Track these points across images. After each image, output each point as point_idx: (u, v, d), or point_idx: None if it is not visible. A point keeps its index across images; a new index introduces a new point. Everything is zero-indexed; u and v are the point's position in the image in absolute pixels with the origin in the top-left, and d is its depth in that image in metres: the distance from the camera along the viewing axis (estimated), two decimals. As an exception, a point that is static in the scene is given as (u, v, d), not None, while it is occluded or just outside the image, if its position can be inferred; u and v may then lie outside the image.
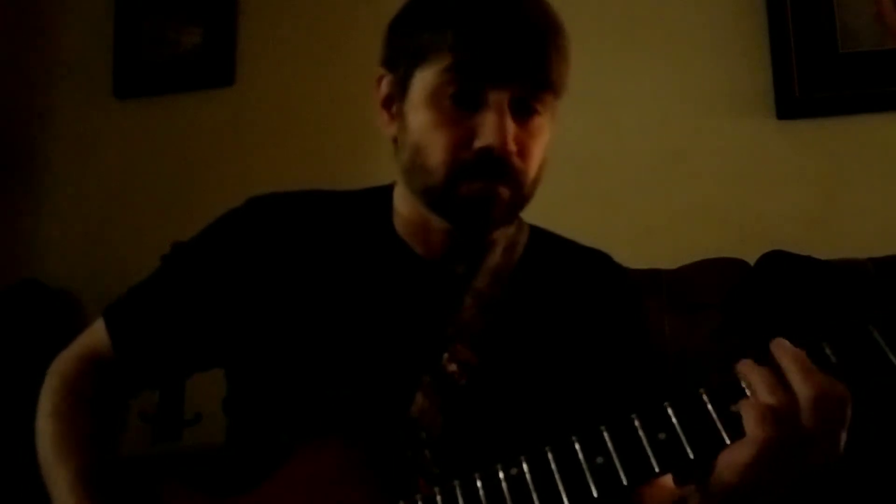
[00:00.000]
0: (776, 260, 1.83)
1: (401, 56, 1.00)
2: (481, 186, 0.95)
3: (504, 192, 0.96)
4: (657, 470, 0.75)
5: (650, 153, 2.17)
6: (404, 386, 0.96)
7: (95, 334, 1.09)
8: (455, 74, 0.94)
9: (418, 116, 0.97)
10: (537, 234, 1.13)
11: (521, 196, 0.99)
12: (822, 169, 2.07)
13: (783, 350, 0.75)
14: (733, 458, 0.74)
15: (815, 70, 2.07)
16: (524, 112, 0.96)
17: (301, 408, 0.97)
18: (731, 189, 2.11)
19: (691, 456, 0.75)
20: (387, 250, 1.05)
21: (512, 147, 0.94)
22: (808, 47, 2.08)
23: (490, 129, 0.93)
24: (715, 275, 1.88)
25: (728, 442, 0.75)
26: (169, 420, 2.06)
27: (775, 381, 0.73)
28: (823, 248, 1.84)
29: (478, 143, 0.94)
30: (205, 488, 0.96)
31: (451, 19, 0.94)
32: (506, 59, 0.93)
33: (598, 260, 1.14)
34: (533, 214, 1.16)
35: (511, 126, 0.93)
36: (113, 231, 2.40)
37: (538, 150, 0.99)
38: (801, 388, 0.72)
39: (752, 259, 1.86)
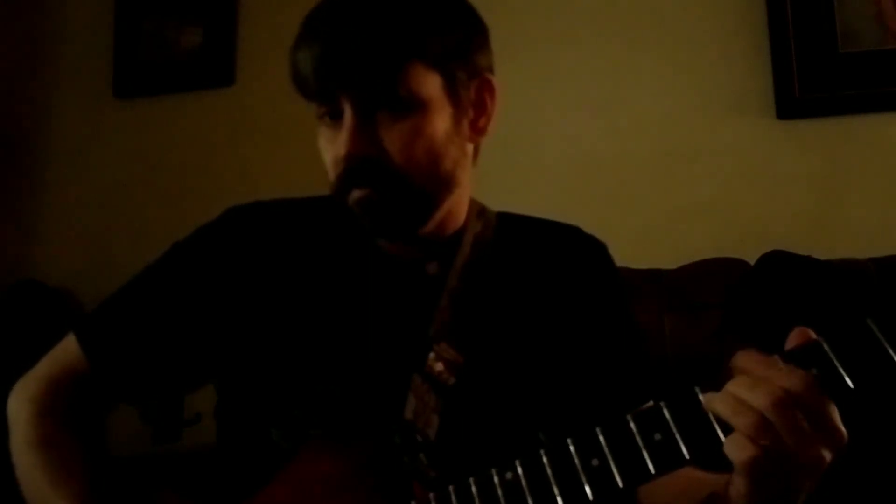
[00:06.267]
0: (776, 260, 1.83)
1: None
2: (359, 195, 0.95)
3: (384, 194, 0.95)
4: (653, 472, 0.75)
5: (650, 153, 2.17)
6: (395, 388, 0.96)
7: (65, 353, 1.05)
8: (311, 101, 0.97)
9: (319, 142, 1.00)
10: (505, 220, 1.12)
11: (415, 193, 0.96)
12: (822, 169, 2.07)
13: (736, 369, 0.73)
14: (736, 489, 0.73)
15: (815, 70, 2.07)
16: (399, 107, 0.94)
17: (292, 413, 0.96)
18: (731, 189, 2.11)
19: (687, 456, 0.74)
20: (364, 252, 1.05)
21: (359, 150, 0.93)
22: (808, 47, 2.08)
23: (339, 140, 0.94)
24: (715, 275, 1.88)
25: (724, 440, 0.73)
26: (169, 420, 2.07)
27: (737, 404, 0.71)
28: (823, 248, 1.85)
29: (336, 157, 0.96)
30: (199, 497, 0.95)
31: (293, 50, 0.98)
32: (323, 77, 0.93)
33: (568, 234, 1.13)
34: (533, 214, 1.17)
35: (350, 131, 0.93)
36: (113, 231, 2.40)
37: (421, 142, 0.95)
38: (756, 400, 0.70)
39: (752, 259, 1.86)
